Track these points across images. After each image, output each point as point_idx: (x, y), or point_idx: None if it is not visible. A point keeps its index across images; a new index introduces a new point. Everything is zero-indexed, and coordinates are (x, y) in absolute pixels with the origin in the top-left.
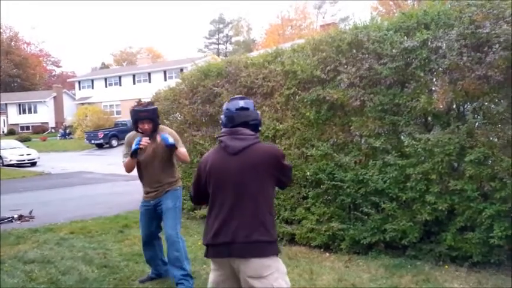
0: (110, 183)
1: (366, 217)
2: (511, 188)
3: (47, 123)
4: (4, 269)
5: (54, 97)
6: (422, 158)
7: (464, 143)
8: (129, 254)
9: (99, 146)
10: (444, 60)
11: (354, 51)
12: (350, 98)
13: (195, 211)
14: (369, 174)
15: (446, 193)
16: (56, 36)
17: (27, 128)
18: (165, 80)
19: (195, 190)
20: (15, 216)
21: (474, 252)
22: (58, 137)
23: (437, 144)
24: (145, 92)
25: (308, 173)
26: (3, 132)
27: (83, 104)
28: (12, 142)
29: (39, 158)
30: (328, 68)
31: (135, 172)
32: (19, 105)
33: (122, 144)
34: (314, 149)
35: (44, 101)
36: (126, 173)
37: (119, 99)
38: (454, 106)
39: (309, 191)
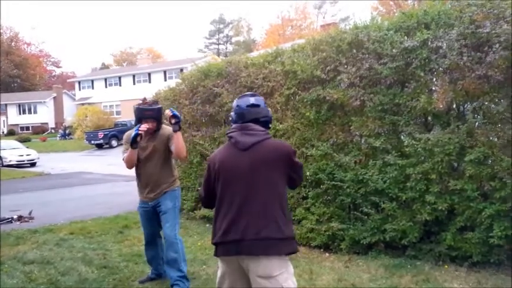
0: (110, 183)
1: (366, 217)
2: (510, 188)
3: (46, 123)
4: (4, 270)
5: (54, 97)
6: (422, 157)
7: (464, 143)
8: (128, 255)
9: (99, 147)
10: (444, 60)
11: (354, 51)
12: (350, 98)
13: (195, 211)
14: (368, 174)
15: (446, 193)
16: (56, 37)
17: (27, 128)
18: (165, 80)
19: (206, 190)
20: (15, 216)
21: (474, 252)
22: (58, 138)
23: (437, 144)
24: (146, 93)
25: (308, 173)
26: (3, 132)
27: (82, 104)
28: (12, 142)
29: (38, 158)
30: (328, 68)
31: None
32: (19, 105)
33: (122, 144)
34: (314, 149)
35: (44, 102)
36: (126, 174)
37: (119, 100)
38: (454, 106)
39: (308, 191)
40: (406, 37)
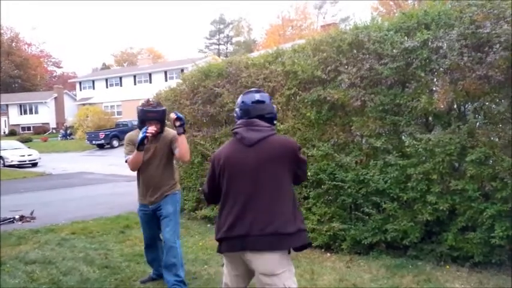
0: (111, 183)
1: (367, 217)
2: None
3: (48, 123)
4: (5, 270)
5: (55, 98)
6: (423, 158)
7: (465, 143)
8: (130, 255)
9: (100, 147)
10: (445, 60)
11: (355, 51)
12: (351, 98)
13: (196, 212)
14: (369, 175)
15: (447, 193)
16: (57, 37)
17: (28, 128)
18: (166, 80)
19: (210, 187)
20: (16, 216)
21: (475, 252)
22: (59, 138)
23: (438, 144)
24: (146, 93)
25: (309, 173)
26: (4, 133)
27: (83, 104)
28: (13, 143)
29: (40, 158)
30: (329, 68)
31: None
32: (20, 106)
33: (123, 144)
34: (315, 149)
35: (45, 102)
36: (127, 174)
37: (120, 100)
38: (455, 106)
39: (309, 191)
40: (406, 37)
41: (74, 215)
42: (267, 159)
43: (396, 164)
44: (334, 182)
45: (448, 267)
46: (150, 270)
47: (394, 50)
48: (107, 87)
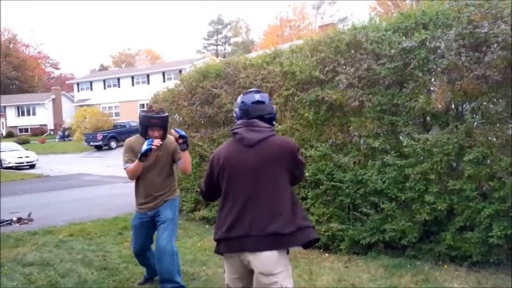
0: (109, 185)
1: (365, 217)
2: (509, 188)
3: (45, 125)
4: (3, 272)
5: (53, 99)
6: (421, 158)
7: (463, 143)
8: (128, 256)
9: (98, 148)
10: (442, 60)
11: (353, 51)
12: (349, 98)
13: (194, 213)
14: (368, 175)
15: (446, 193)
16: (55, 38)
17: (26, 130)
18: (164, 81)
19: (207, 186)
20: (14, 218)
21: (473, 252)
22: (57, 139)
23: (436, 144)
24: (144, 94)
25: (307, 174)
26: (1, 134)
27: (81, 106)
28: (11, 144)
29: (37, 160)
30: (327, 68)
31: None
32: (18, 107)
33: (121, 146)
34: (313, 149)
35: (43, 103)
36: (125, 175)
37: (118, 101)
38: (453, 106)
39: (308, 192)
40: (404, 37)
41: (71, 217)
42: (266, 159)
43: (394, 164)
44: (333, 183)
45: (446, 266)
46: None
47: (392, 50)
48: (104, 88)
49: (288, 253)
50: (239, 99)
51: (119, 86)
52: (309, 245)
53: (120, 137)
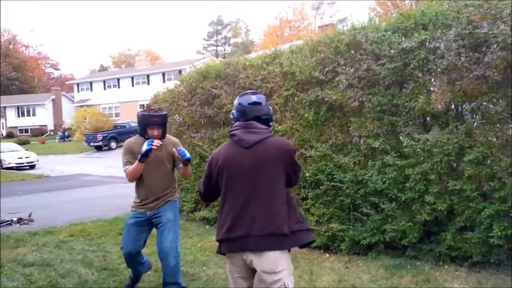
0: (109, 185)
1: (366, 218)
2: (510, 188)
3: (45, 125)
4: (3, 273)
5: (53, 100)
6: (421, 158)
7: (463, 143)
8: None
9: (98, 149)
10: (442, 61)
11: (352, 52)
12: (348, 98)
13: (195, 213)
14: (368, 175)
15: (446, 193)
16: (55, 39)
17: (26, 130)
18: (164, 82)
19: (206, 187)
20: (14, 219)
21: (474, 252)
22: (57, 140)
23: (436, 144)
24: (144, 94)
25: (307, 174)
26: (2, 135)
27: (81, 106)
28: (11, 145)
29: (38, 160)
30: (327, 69)
31: None
32: (18, 108)
33: (121, 146)
34: (313, 150)
35: (43, 104)
36: (125, 175)
37: (118, 102)
38: (453, 106)
39: (308, 192)
40: (404, 38)
41: (72, 217)
42: (264, 161)
43: (394, 165)
44: (333, 183)
45: (446, 267)
46: (148, 272)
47: (391, 51)
48: (104, 88)
49: (289, 251)
50: (236, 101)
51: (118, 87)
52: (303, 245)
53: (120, 138)
